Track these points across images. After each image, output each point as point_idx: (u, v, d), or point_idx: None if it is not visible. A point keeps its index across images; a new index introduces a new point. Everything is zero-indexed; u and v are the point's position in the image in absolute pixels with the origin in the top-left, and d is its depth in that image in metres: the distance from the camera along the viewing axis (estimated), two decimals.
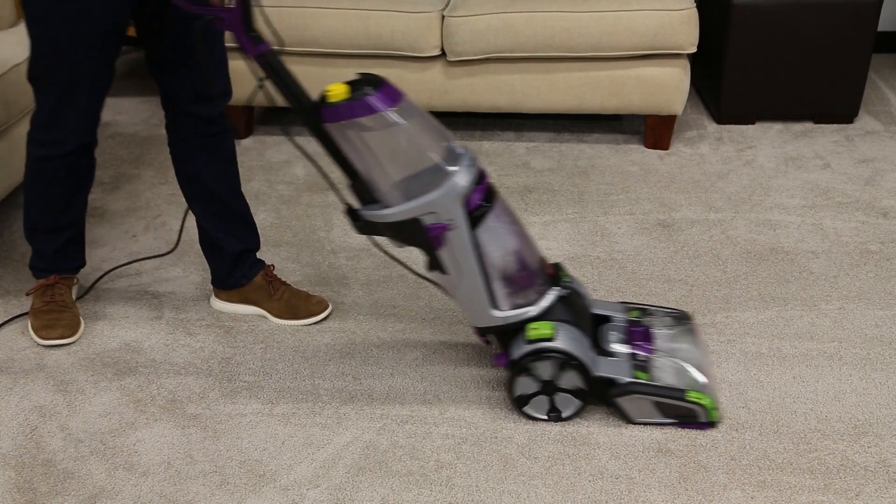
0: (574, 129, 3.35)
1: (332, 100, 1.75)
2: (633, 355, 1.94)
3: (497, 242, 1.85)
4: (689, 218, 2.67)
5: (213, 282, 2.31)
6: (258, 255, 2.42)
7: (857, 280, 2.40)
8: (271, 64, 1.78)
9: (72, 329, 2.20)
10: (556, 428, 1.92)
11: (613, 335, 1.97)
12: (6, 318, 2.29)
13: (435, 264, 1.88)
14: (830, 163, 3.03)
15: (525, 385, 1.89)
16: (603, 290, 2.38)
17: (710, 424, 1.89)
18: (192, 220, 2.68)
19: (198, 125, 2.08)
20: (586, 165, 3.06)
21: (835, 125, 3.31)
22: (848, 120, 3.31)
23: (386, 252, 2.06)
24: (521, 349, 1.88)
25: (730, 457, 1.84)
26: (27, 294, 2.29)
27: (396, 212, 1.81)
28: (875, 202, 2.78)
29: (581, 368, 1.86)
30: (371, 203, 1.85)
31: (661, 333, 2.01)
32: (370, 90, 1.73)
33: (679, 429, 1.90)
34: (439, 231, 1.80)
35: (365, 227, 1.88)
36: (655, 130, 3.16)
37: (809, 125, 3.32)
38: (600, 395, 1.90)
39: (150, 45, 2.00)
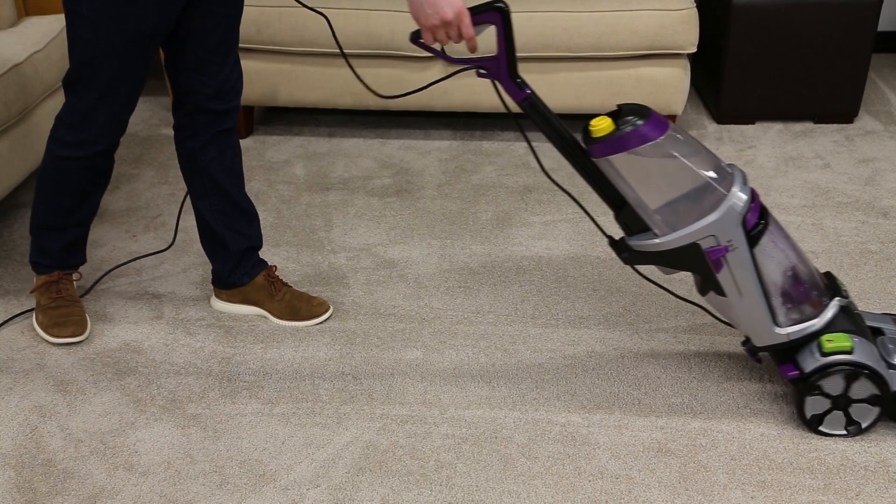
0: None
1: (599, 134, 1.78)
2: None
3: (775, 259, 1.82)
4: None
5: (214, 281, 2.31)
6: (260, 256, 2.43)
7: (857, 280, 2.39)
8: (535, 106, 1.83)
9: (82, 326, 2.20)
10: (556, 428, 1.92)
11: (894, 348, 1.89)
12: (6, 318, 2.29)
13: (710, 287, 1.86)
14: (830, 163, 3.03)
15: (816, 404, 1.85)
16: (603, 290, 2.38)
17: None
18: (191, 221, 2.69)
19: (212, 121, 2.09)
20: None
21: (835, 125, 3.31)
22: (848, 120, 3.31)
23: (650, 280, 2.03)
24: (815, 363, 1.82)
25: (730, 457, 1.84)
26: (31, 292, 2.29)
27: (674, 238, 1.79)
28: (875, 202, 2.78)
29: (879, 382, 1.81)
30: (639, 232, 1.84)
31: None
32: (638, 120, 1.75)
33: (680, 429, 1.90)
34: (720, 254, 1.79)
35: (633, 257, 1.87)
36: None
37: (809, 125, 3.32)
38: (894, 412, 1.86)
39: (173, 45, 2.00)
